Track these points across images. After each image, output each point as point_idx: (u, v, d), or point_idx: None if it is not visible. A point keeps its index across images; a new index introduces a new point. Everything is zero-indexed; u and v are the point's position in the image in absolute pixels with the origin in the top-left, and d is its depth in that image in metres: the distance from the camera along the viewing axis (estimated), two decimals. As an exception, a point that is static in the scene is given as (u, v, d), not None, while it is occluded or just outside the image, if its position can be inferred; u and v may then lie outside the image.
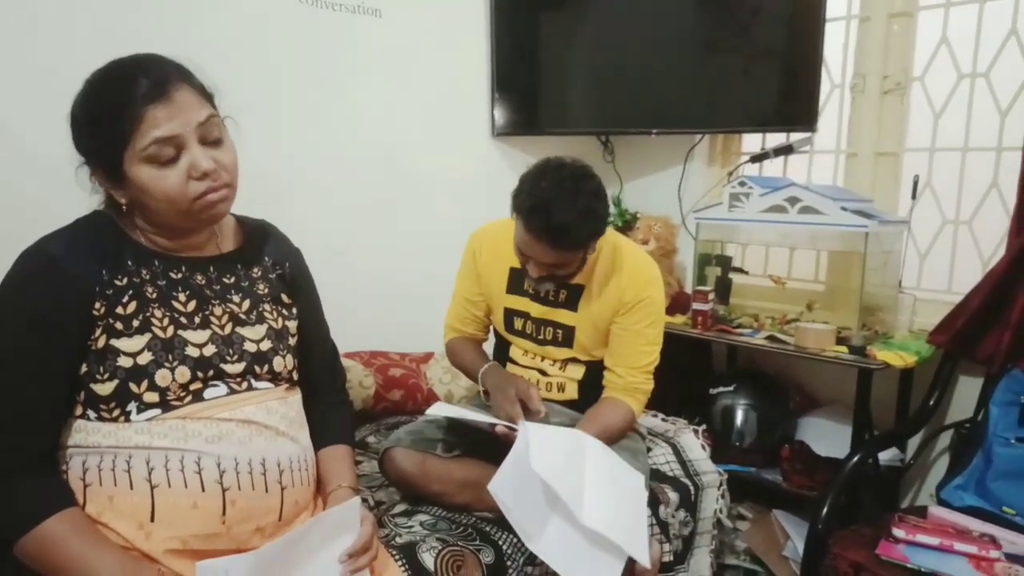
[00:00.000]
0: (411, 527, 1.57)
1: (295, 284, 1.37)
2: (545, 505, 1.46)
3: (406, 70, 2.46)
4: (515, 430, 1.52)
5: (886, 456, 2.18)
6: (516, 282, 1.86)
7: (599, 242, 1.75)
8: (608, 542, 1.43)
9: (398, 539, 1.50)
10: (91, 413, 1.11)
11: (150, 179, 1.08)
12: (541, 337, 1.87)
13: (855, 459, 1.97)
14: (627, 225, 2.83)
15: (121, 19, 1.85)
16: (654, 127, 2.67)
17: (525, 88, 2.75)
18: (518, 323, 1.89)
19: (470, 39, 2.64)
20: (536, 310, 1.86)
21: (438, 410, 1.65)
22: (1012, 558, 1.69)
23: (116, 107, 1.06)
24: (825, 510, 1.86)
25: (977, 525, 1.83)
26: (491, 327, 2.02)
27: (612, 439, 1.73)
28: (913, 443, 2.29)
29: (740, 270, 2.49)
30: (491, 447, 1.60)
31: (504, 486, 1.39)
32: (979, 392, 2.10)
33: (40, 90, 1.65)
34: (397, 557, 1.41)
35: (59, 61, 1.76)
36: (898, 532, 1.75)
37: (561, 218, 1.55)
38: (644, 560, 1.45)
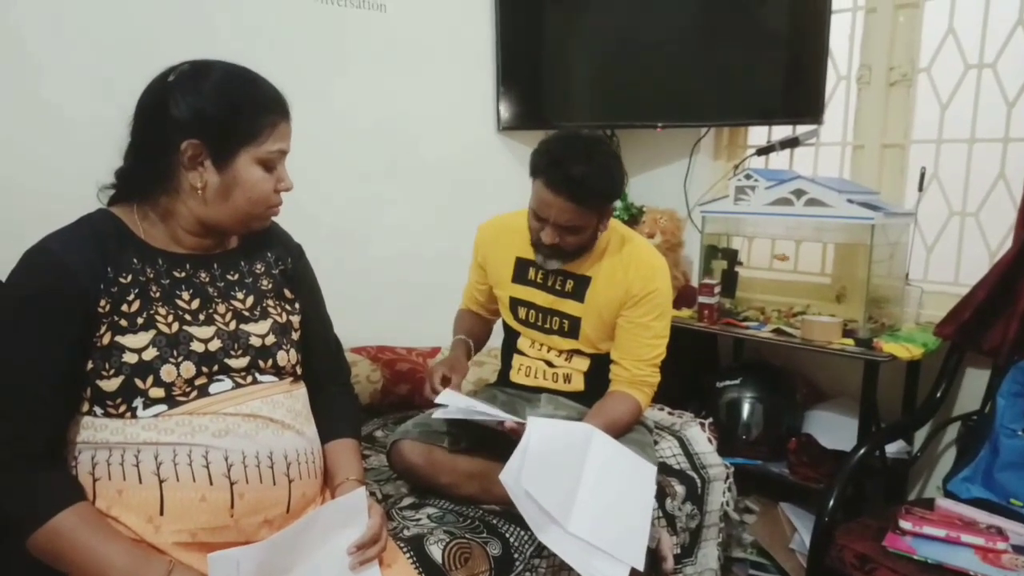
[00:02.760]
0: (419, 520, 1.58)
1: (297, 280, 1.38)
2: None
3: (411, 64, 2.46)
4: (523, 424, 1.52)
5: (893, 448, 2.18)
6: (522, 271, 1.88)
7: (606, 235, 1.76)
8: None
9: (406, 532, 1.51)
10: (97, 409, 1.12)
11: (253, 178, 1.18)
12: (547, 326, 1.88)
13: (862, 451, 1.97)
14: (633, 218, 2.82)
15: (128, 17, 1.86)
16: (660, 120, 2.66)
17: (530, 82, 2.75)
18: (522, 312, 1.90)
19: (475, 33, 2.64)
20: (542, 299, 1.86)
21: (447, 398, 1.64)
22: (1019, 550, 1.68)
23: (259, 107, 1.17)
24: (832, 502, 1.86)
25: (984, 517, 1.82)
26: (496, 310, 2.04)
27: (619, 433, 1.73)
28: (920, 435, 2.28)
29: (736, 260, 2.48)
30: (498, 440, 1.60)
31: (514, 476, 1.40)
32: (986, 384, 2.10)
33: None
34: (405, 549, 1.42)
35: (62, 58, 1.78)
36: (905, 524, 1.75)
37: (580, 169, 1.61)
38: (639, 564, 1.45)
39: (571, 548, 1.42)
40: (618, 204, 2.86)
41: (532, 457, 1.43)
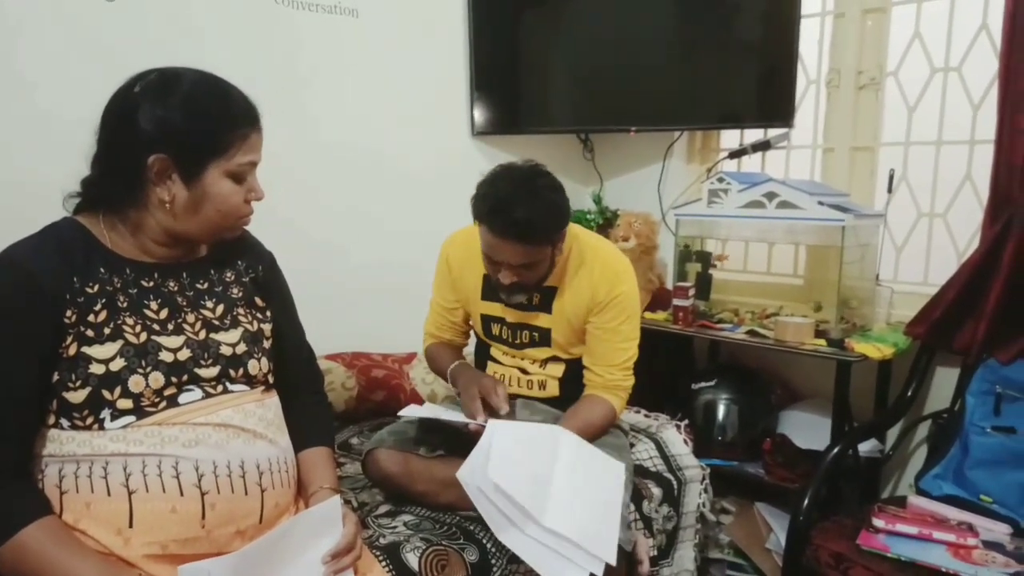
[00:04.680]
0: (395, 527, 1.57)
1: (268, 287, 1.36)
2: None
3: (384, 70, 2.45)
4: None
5: (866, 447, 2.21)
6: (490, 288, 1.85)
7: (567, 242, 1.75)
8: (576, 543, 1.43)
9: (382, 540, 1.50)
10: (64, 422, 1.10)
11: (223, 191, 1.16)
12: (518, 341, 1.87)
13: (835, 451, 1.99)
14: (607, 222, 2.84)
15: (100, 22, 1.84)
16: (633, 125, 2.68)
17: (504, 87, 2.75)
18: (495, 328, 1.89)
19: (448, 38, 2.64)
20: (511, 315, 1.85)
21: (411, 411, 1.64)
22: (989, 545, 1.71)
23: (228, 120, 1.15)
24: (806, 502, 1.88)
25: (955, 514, 1.85)
26: (470, 331, 2.02)
27: (594, 436, 1.73)
28: (892, 434, 2.31)
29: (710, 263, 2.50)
30: (473, 446, 1.60)
31: (470, 474, 1.40)
32: (956, 382, 2.13)
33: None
34: (381, 558, 1.41)
35: (41, 63, 1.76)
36: (878, 522, 1.77)
37: (522, 211, 1.57)
38: (612, 560, 1.44)
39: (530, 549, 1.40)
40: (593, 207, 2.88)
41: (495, 458, 1.42)
